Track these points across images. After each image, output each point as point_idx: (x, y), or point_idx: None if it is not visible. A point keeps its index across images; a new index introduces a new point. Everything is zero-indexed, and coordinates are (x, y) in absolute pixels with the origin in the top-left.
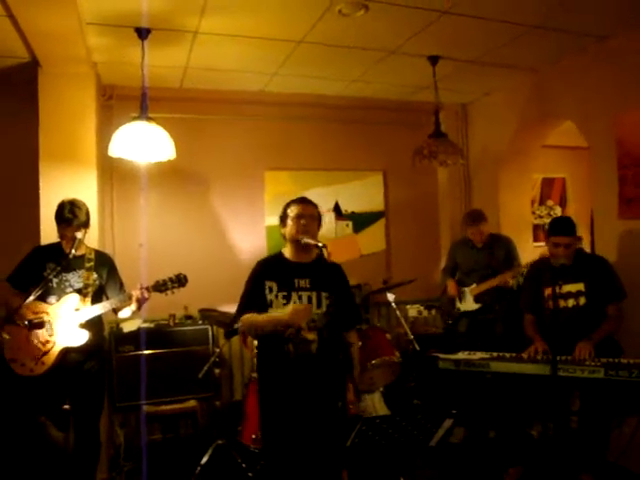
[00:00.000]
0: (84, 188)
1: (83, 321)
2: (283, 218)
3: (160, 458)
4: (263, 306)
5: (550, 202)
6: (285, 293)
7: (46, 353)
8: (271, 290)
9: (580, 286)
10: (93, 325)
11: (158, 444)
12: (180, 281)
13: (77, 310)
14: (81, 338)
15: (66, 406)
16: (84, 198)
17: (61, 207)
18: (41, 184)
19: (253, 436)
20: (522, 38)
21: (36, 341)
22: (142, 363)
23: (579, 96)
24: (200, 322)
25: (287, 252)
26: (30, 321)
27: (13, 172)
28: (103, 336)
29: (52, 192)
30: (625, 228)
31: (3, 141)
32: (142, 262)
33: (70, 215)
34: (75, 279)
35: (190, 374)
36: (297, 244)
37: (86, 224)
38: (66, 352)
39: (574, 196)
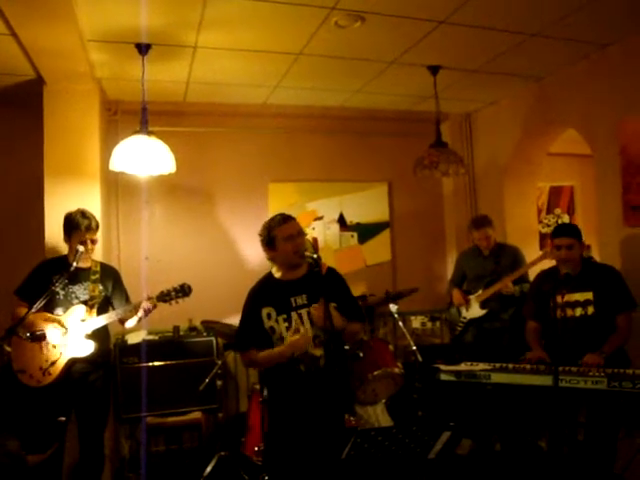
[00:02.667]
0: (88, 202)
1: (89, 332)
2: (269, 242)
3: (163, 469)
4: (262, 335)
5: (558, 210)
6: (285, 316)
7: (53, 364)
8: (270, 317)
9: (588, 295)
10: (99, 336)
11: (161, 455)
12: (184, 291)
13: (83, 321)
14: (87, 349)
15: (62, 418)
16: None
17: (72, 217)
18: (46, 199)
19: (256, 448)
20: (522, 47)
21: (43, 352)
22: (144, 375)
23: (582, 104)
24: (204, 334)
25: (277, 272)
26: (32, 333)
27: (19, 187)
28: (109, 347)
29: (57, 207)
30: (630, 235)
31: (9, 157)
32: (147, 275)
33: (86, 220)
34: (81, 291)
35: (194, 386)
36: (291, 265)
37: (98, 227)
38: (72, 363)
39: (582, 204)
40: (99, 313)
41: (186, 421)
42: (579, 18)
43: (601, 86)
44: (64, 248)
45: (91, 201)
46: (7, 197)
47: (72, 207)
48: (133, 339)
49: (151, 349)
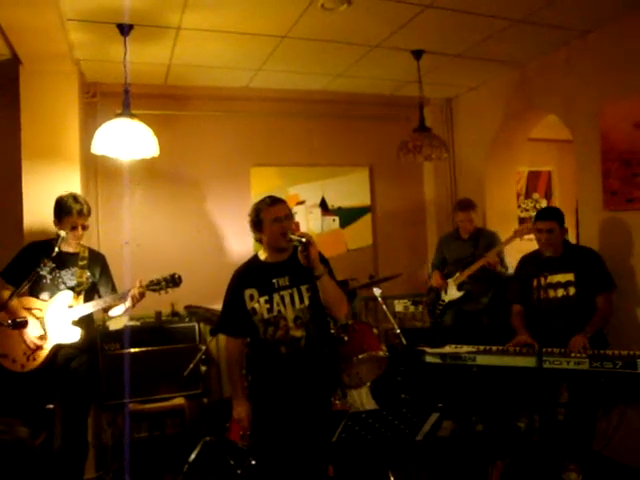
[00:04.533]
0: (67, 186)
1: (76, 318)
2: (257, 224)
3: (147, 456)
4: (244, 316)
5: (536, 195)
6: (267, 297)
7: (38, 349)
8: (252, 298)
9: (569, 276)
10: (84, 322)
11: (145, 442)
12: (174, 281)
13: (70, 307)
14: (74, 335)
15: (50, 405)
16: None
17: (62, 201)
18: (24, 182)
19: (241, 433)
20: (506, 32)
21: (28, 337)
22: (127, 361)
23: (563, 90)
24: (187, 319)
25: (263, 254)
26: (13, 320)
27: None
28: (94, 333)
29: (35, 190)
30: (610, 219)
31: None
32: (127, 260)
33: (78, 205)
34: (68, 276)
35: (177, 372)
36: (277, 248)
37: (90, 212)
38: (58, 349)
39: (560, 189)
40: (86, 299)
41: (169, 407)
42: (562, 5)
43: (582, 73)
44: (43, 231)
45: (70, 185)
46: None
47: (51, 191)
48: (115, 325)
49: (133, 335)
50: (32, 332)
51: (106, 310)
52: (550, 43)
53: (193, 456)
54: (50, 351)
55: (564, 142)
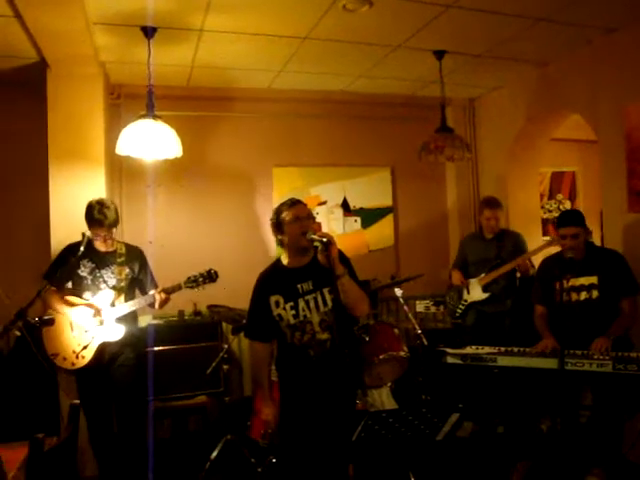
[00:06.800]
0: (93, 187)
1: (119, 316)
2: (278, 225)
3: (169, 453)
4: (270, 322)
5: (560, 196)
6: (292, 303)
7: (85, 348)
8: (278, 304)
9: (593, 279)
10: (128, 319)
11: (167, 439)
12: (211, 277)
13: (112, 305)
14: (118, 333)
15: (76, 401)
16: (93, 197)
17: (90, 208)
18: (50, 183)
19: (262, 431)
20: (528, 31)
21: (76, 336)
22: (151, 359)
23: (587, 89)
24: (209, 318)
25: (285, 259)
26: (40, 317)
27: (23, 172)
28: (138, 328)
29: (61, 191)
30: (634, 221)
31: (12, 141)
32: (151, 260)
33: (101, 216)
34: (109, 275)
35: (199, 370)
36: (298, 248)
37: (116, 223)
38: (104, 346)
39: (584, 190)
40: (127, 295)
41: (191, 405)
42: (585, 3)
43: (606, 72)
44: (69, 231)
45: (95, 185)
46: (12, 180)
47: (77, 191)
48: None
49: (156, 333)
50: (79, 330)
51: (151, 306)
52: (574, 42)
53: (215, 454)
54: (97, 349)
55: (588, 142)
